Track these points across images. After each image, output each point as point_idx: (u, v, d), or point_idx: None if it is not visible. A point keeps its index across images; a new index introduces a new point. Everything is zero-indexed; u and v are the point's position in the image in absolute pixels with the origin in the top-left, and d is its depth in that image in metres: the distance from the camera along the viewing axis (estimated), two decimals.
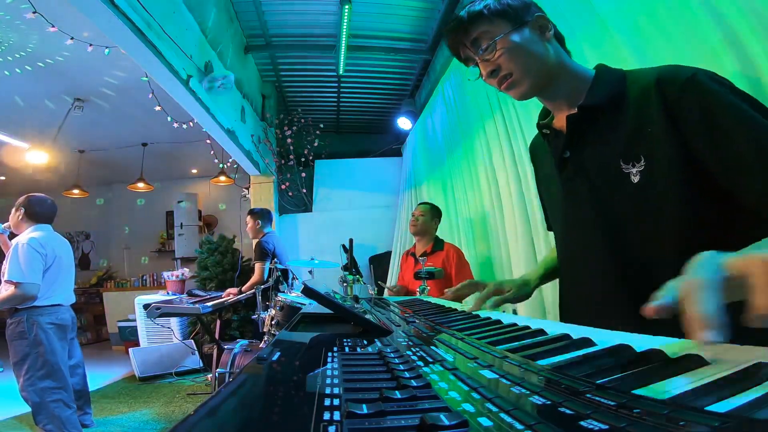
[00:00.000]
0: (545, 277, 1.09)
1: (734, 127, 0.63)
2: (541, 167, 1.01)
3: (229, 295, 3.59)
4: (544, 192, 1.03)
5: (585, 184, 0.80)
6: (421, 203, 2.91)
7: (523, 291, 1.02)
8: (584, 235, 0.83)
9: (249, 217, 3.84)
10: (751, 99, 0.66)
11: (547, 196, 1.01)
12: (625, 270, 0.76)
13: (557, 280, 1.06)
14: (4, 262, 2.37)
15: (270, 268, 3.02)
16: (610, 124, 0.76)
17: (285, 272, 3.18)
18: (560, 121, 0.85)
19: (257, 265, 3.59)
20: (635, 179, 0.72)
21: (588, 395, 0.30)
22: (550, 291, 1.96)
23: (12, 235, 2.59)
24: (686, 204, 0.68)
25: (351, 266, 2.09)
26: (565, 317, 0.97)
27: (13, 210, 2.56)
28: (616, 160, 0.74)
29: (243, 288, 3.65)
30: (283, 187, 5.59)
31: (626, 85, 0.76)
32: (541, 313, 2.04)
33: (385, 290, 2.93)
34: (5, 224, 2.63)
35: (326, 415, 0.28)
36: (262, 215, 3.82)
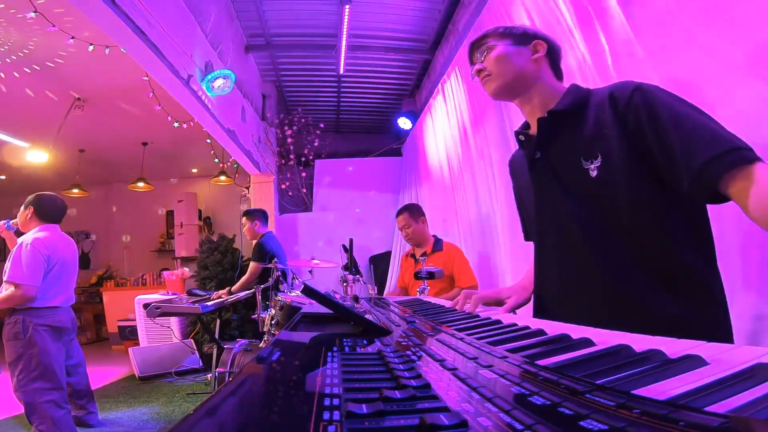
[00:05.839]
0: None
1: (669, 123, 0.75)
2: (520, 178, 1.13)
3: (219, 296, 3.56)
4: (523, 201, 1.15)
5: (553, 180, 0.93)
6: (397, 214, 2.76)
7: (522, 296, 1.05)
8: (554, 228, 0.95)
9: (245, 218, 3.82)
10: (686, 102, 0.78)
11: (527, 204, 1.10)
12: (591, 256, 0.87)
13: None
14: (7, 260, 2.36)
15: (269, 268, 3.01)
16: (574, 128, 0.90)
17: (283, 272, 3.18)
18: (534, 128, 0.98)
19: (252, 264, 3.57)
20: (593, 174, 0.84)
21: (588, 395, 0.30)
22: None
23: (19, 233, 2.55)
24: (638, 194, 0.80)
25: (351, 266, 2.09)
26: (538, 312, 1.01)
27: (22, 208, 2.52)
28: (577, 158, 0.87)
29: (233, 288, 3.62)
30: (283, 186, 5.59)
31: (589, 98, 0.91)
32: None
33: (385, 292, 2.92)
34: (13, 221, 2.59)
35: (326, 415, 0.28)
36: (257, 215, 3.81)
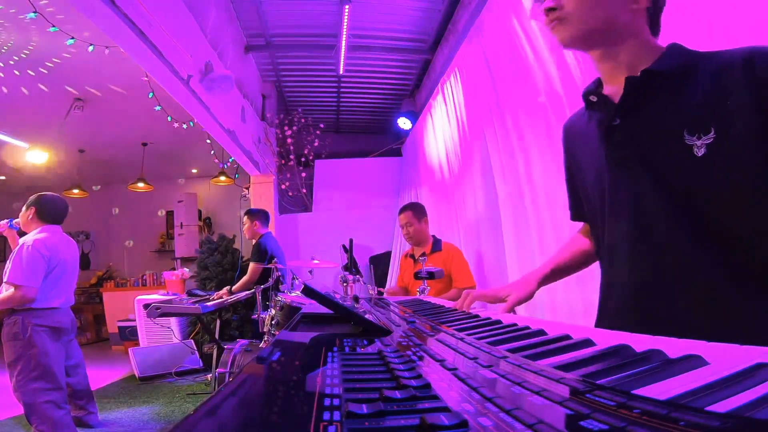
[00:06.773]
0: (551, 276, 1.03)
1: None
2: (578, 148, 0.94)
3: (221, 297, 3.57)
4: (578, 174, 0.96)
5: (636, 154, 0.76)
6: (400, 211, 2.76)
7: (523, 291, 0.97)
8: (632, 215, 0.77)
9: (246, 217, 3.82)
10: None
11: (585, 177, 0.93)
12: (683, 254, 0.72)
13: (559, 280, 1.05)
14: (8, 261, 2.36)
15: (269, 269, 3.01)
16: (676, 94, 0.73)
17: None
18: (612, 89, 0.82)
19: (252, 265, 3.58)
20: (700, 152, 0.67)
21: (588, 395, 0.30)
22: (549, 290, 1.95)
23: (22, 233, 2.56)
24: (762, 184, 0.65)
25: (351, 266, 2.09)
26: (607, 314, 0.88)
27: (24, 208, 2.53)
28: (679, 131, 0.70)
29: (233, 288, 3.62)
30: (283, 187, 5.59)
31: (698, 62, 0.73)
32: (540, 312, 2.04)
33: (384, 292, 2.92)
34: (15, 220, 2.60)
35: (326, 415, 0.28)
36: (259, 215, 3.81)
